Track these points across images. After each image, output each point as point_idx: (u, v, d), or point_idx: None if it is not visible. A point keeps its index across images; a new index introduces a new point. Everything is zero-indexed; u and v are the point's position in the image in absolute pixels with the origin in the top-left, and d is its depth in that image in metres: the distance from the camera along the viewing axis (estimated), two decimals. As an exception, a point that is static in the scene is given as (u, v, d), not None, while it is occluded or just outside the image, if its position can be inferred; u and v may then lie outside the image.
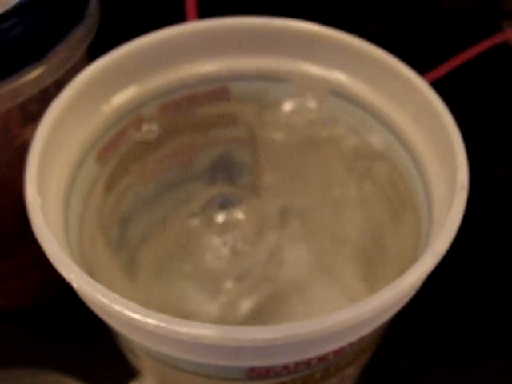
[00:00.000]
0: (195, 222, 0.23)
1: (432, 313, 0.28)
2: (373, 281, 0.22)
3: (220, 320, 0.23)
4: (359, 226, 0.23)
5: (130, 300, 0.22)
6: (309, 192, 0.24)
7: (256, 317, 0.23)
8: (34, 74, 0.20)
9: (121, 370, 0.23)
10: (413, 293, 0.16)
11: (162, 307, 0.23)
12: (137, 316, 0.14)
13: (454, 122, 0.18)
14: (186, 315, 0.23)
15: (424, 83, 0.19)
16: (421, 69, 0.20)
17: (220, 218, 0.23)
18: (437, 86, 0.19)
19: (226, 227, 0.23)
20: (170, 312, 0.22)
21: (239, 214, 0.23)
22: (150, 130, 0.21)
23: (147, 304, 0.23)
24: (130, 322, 0.14)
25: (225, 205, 0.23)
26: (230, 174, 0.24)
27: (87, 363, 0.25)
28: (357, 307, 0.14)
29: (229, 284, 0.24)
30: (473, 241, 0.30)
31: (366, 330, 0.16)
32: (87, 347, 0.26)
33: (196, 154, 0.23)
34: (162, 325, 0.13)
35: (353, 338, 0.16)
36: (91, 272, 0.19)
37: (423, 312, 0.27)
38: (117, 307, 0.14)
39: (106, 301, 0.14)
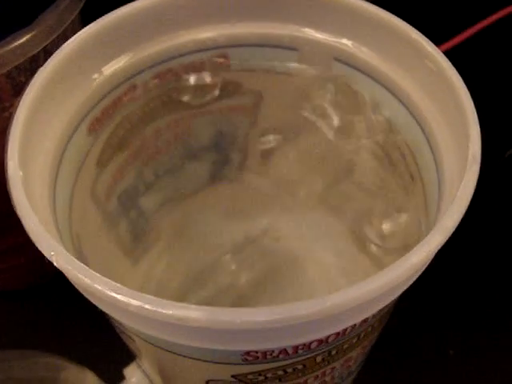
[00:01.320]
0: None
1: (441, 291, 0.27)
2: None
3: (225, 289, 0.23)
4: (365, 196, 0.22)
5: (127, 272, 0.21)
6: (312, 158, 0.23)
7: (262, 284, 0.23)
8: (21, 40, 0.19)
9: (120, 353, 0.22)
10: (420, 271, 0.15)
11: (164, 276, 0.23)
12: (119, 297, 0.13)
13: (466, 91, 0.17)
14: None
15: (435, 49, 0.18)
16: (433, 38, 0.19)
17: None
18: (450, 55, 0.18)
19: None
20: (172, 281, 0.22)
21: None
22: (145, 99, 0.20)
23: (148, 275, 0.22)
24: (114, 303, 0.13)
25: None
26: (227, 144, 0.23)
27: (85, 346, 0.25)
28: (359, 287, 0.13)
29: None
30: (483, 219, 0.29)
31: (370, 312, 0.15)
32: (85, 329, 0.25)
33: (194, 125, 0.22)
34: (147, 306, 0.12)
35: (355, 319, 0.15)
36: (81, 246, 0.18)
37: (432, 290, 0.26)
38: (98, 287, 0.13)
39: (87, 280, 0.13)
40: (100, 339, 0.24)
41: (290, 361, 0.16)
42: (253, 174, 0.23)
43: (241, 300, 0.22)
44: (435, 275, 0.18)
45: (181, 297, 0.23)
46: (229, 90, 0.21)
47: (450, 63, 0.17)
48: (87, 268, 0.13)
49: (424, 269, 0.15)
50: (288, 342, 0.14)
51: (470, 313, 0.27)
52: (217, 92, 0.21)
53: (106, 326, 0.19)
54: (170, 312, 0.12)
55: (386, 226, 0.21)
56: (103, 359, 0.24)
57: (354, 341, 0.17)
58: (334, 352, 0.17)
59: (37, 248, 0.15)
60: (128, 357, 0.22)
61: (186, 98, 0.21)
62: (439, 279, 0.23)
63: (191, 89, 0.21)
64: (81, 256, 0.17)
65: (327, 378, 0.18)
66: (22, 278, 0.27)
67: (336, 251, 0.23)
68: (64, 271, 0.14)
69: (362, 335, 0.17)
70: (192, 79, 0.21)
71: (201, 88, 0.21)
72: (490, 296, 0.28)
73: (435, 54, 0.18)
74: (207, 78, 0.21)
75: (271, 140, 0.22)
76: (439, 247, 0.14)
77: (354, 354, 0.18)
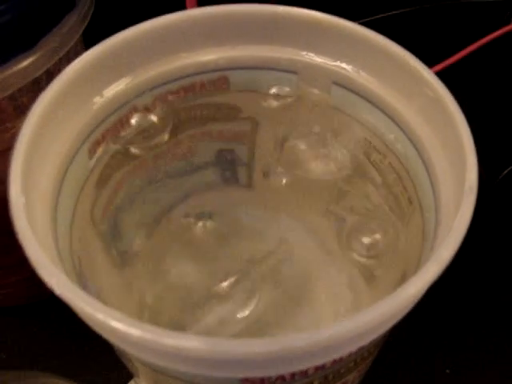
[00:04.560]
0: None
1: (436, 310, 0.27)
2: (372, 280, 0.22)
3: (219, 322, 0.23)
4: (363, 223, 0.22)
5: (123, 295, 0.21)
6: (311, 185, 0.23)
7: (257, 316, 0.23)
8: (24, 63, 0.19)
9: (118, 371, 0.22)
10: (416, 301, 0.15)
11: (157, 300, 0.23)
12: (120, 326, 0.13)
13: (464, 119, 0.17)
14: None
15: (433, 76, 0.18)
16: (426, 59, 0.19)
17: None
18: (442, 77, 0.18)
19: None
20: (166, 306, 0.22)
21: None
22: (146, 122, 0.20)
23: (141, 298, 0.22)
24: (114, 332, 0.13)
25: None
26: (228, 168, 0.23)
27: (84, 364, 0.25)
28: (355, 319, 0.13)
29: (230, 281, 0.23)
30: (478, 242, 0.29)
31: (367, 340, 0.15)
32: (84, 347, 0.25)
33: (194, 147, 0.22)
34: (147, 336, 0.13)
35: (352, 348, 0.15)
36: (81, 267, 0.18)
37: (428, 309, 0.26)
38: (100, 316, 0.13)
39: (89, 309, 0.13)
40: (99, 358, 0.24)
41: (288, 386, 0.16)
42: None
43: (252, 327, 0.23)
44: (431, 295, 0.18)
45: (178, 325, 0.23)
46: (228, 112, 0.21)
47: (447, 91, 0.18)
48: (88, 296, 0.13)
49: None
50: (286, 370, 0.15)
51: (466, 332, 0.27)
52: (216, 114, 0.21)
53: (105, 345, 0.19)
54: (171, 342, 0.13)
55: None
56: (102, 378, 0.24)
57: (351, 365, 0.17)
58: (330, 377, 0.17)
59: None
60: (126, 375, 0.22)
61: (186, 121, 0.21)
62: (435, 299, 0.23)
63: (191, 112, 0.21)
64: (81, 278, 0.18)
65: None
66: (22, 293, 0.27)
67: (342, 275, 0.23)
68: (65, 300, 0.14)
69: (359, 359, 0.17)
70: (192, 102, 0.21)
71: (201, 110, 0.21)
72: (486, 316, 0.28)
73: (433, 81, 0.18)
74: (207, 101, 0.21)
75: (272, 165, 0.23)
76: (436, 278, 0.14)
77: (351, 377, 0.18)
